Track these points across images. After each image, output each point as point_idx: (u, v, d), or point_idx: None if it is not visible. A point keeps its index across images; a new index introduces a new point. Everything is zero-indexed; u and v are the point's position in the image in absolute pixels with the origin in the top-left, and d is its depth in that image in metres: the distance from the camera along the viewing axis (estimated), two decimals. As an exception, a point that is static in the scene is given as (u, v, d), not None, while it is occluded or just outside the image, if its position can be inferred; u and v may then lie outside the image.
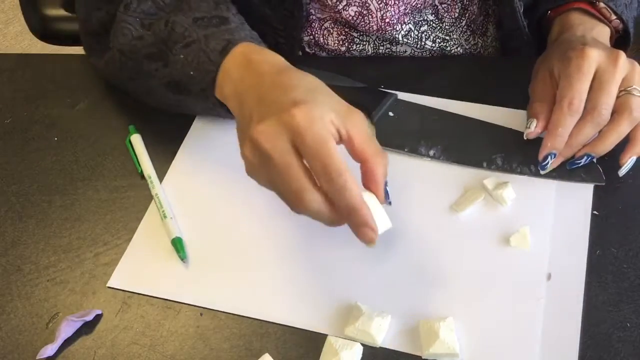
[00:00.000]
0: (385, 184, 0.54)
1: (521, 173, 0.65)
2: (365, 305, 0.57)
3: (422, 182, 0.65)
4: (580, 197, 0.63)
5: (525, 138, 0.65)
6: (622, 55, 0.62)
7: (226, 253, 0.63)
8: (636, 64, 0.62)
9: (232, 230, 0.64)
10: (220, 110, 0.62)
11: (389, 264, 0.60)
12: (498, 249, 0.60)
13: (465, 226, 0.62)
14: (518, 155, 0.65)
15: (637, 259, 0.59)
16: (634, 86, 0.61)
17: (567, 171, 0.64)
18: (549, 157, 0.62)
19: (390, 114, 0.70)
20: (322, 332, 0.57)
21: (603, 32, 0.70)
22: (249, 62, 0.57)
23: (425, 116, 0.70)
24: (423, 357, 0.54)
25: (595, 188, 0.64)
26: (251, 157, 0.52)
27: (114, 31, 0.67)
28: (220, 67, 0.59)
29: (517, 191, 0.63)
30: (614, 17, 0.71)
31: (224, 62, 0.59)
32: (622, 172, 0.63)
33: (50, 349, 0.57)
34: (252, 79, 0.56)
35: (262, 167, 0.52)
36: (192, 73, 0.61)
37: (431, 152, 0.66)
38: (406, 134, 0.68)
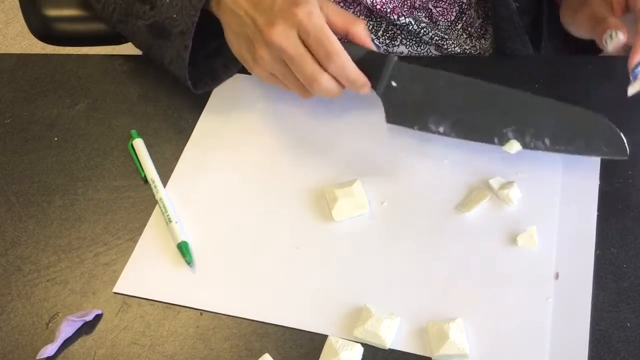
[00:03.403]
0: (373, 40, 0.67)
1: (535, 148, 0.62)
2: (374, 307, 0.57)
3: (428, 182, 0.65)
4: (586, 194, 0.63)
5: (610, 49, 0.62)
6: None
7: (233, 256, 0.62)
8: None
9: (237, 233, 0.64)
10: (185, 57, 0.67)
11: (397, 266, 0.60)
12: (505, 248, 0.60)
13: (472, 226, 0.62)
14: (530, 127, 0.62)
15: (637, 259, 0.59)
16: None
17: (585, 145, 0.62)
18: None
19: (393, 83, 0.65)
20: (330, 334, 0.56)
21: None
22: None
23: (429, 83, 0.65)
24: (433, 359, 0.54)
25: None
26: (267, 56, 0.62)
27: None
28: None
29: (523, 190, 0.63)
30: None
31: None
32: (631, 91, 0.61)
33: (50, 349, 0.57)
34: None
35: (276, 63, 0.62)
36: (174, 16, 0.67)
37: (440, 129, 0.65)
38: (412, 108, 0.65)
